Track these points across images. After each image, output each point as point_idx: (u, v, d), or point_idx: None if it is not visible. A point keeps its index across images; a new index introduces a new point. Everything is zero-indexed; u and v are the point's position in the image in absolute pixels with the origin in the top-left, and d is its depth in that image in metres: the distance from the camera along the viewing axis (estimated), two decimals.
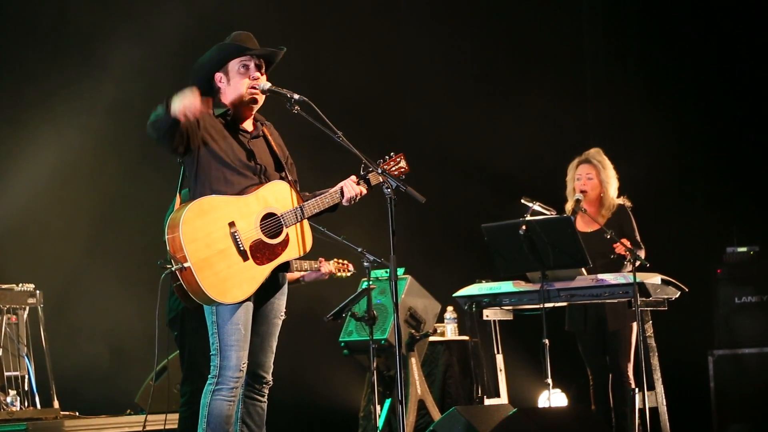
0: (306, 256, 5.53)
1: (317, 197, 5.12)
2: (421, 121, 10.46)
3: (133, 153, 9.09)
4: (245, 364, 4.96)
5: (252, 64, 5.08)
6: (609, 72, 10.33)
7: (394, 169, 5.27)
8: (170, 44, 8.99)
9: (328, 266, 7.11)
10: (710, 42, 9.80)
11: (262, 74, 5.11)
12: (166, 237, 4.84)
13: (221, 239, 4.88)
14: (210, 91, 5.10)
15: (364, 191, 5.19)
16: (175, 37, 8.94)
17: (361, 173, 5.20)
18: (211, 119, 5.02)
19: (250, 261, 4.93)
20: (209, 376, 4.95)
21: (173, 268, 4.79)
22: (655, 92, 9.95)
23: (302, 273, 7.05)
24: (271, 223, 5.01)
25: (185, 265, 4.78)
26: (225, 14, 9.35)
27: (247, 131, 5.11)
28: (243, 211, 4.95)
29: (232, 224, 4.91)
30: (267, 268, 4.98)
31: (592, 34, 10.44)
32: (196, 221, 4.84)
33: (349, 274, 7.16)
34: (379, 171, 5.01)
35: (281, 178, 5.11)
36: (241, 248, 4.91)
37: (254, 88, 5.07)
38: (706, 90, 9.77)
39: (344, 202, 5.15)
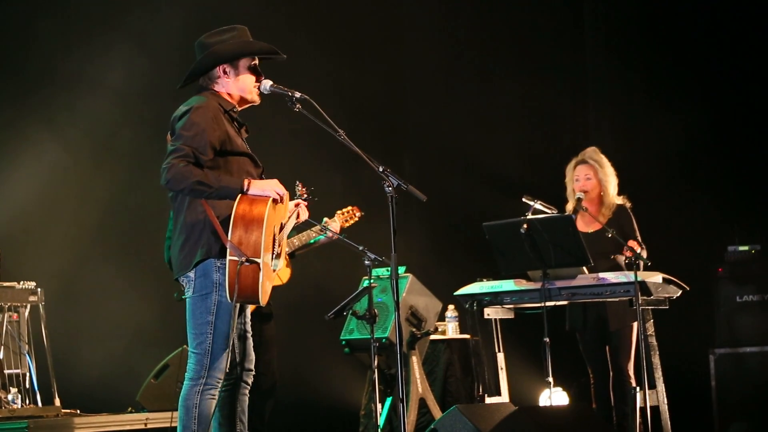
0: (300, 227, 5.69)
1: (290, 218, 5.26)
2: (422, 121, 10.46)
3: (135, 151, 9.10)
4: None
5: (257, 64, 5.11)
6: (610, 72, 10.32)
7: (348, 220, 5.72)
8: (170, 44, 8.99)
9: (335, 225, 6.94)
10: (712, 41, 9.79)
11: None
12: (233, 230, 4.75)
13: (270, 242, 4.90)
14: (198, 76, 5.11)
15: (308, 216, 5.42)
16: (175, 38, 8.94)
17: (304, 197, 5.69)
18: (225, 119, 4.99)
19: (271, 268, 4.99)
20: (191, 377, 4.91)
21: (242, 260, 4.72)
22: (657, 91, 9.95)
23: (312, 245, 6.93)
24: (282, 233, 5.11)
25: (255, 260, 4.74)
26: (226, 18, 9.32)
27: (240, 126, 5.14)
28: (278, 218, 5.01)
29: (274, 228, 4.96)
30: (275, 276, 5.10)
31: (593, 34, 10.43)
32: (269, 220, 4.83)
33: (357, 218, 7.03)
34: (380, 170, 5.03)
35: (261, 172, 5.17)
36: (275, 253, 4.97)
37: (257, 89, 5.10)
38: (708, 89, 9.76)
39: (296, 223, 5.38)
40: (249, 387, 5.17)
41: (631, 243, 6.97)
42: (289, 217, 5.23)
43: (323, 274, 9.05)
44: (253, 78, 5.10)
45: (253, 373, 5.18)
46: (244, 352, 5.13)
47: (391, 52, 10.49)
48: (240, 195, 4.81)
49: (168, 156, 4.80)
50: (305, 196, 5.64)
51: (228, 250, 4.75)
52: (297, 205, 5.34)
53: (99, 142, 9.31)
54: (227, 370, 5.01)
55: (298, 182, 5.68)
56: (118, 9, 9.36)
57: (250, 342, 5.18)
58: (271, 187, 4.86)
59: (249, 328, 5.19)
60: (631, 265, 6.86)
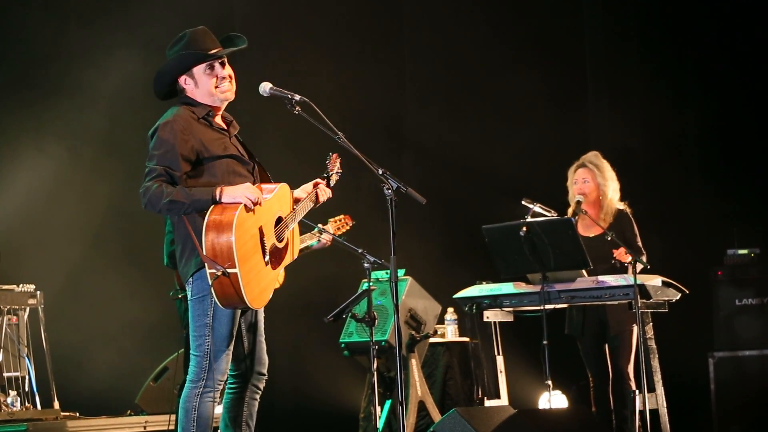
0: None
1: (301, 203, 5.20)
2: (422, 122, 10.45)
3: (133, 153, 9.08)
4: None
5: (216, 63, 5.08)
6: (609, 76, 10.31)
7: (336, 169, 5.44)
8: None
9: (328, 234, 6.89)
10: (712, 40, 9.78)
11: (226, 68, 5.11)
12: (206, 239, 4.76)
13: (255, 244, 4.89)
14: (173, 92, 5.13)
15: (330, 195, 5.34)
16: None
17: (324, 175, 5.39)
18: (199, 127, 5.00)
19: (269, 266, 4.95)
20: (191, 379, 4.91)
21: (218, 273, 4.71)
22: (657, 95, 9.94)
23: (304, 251, 6.86)
24: (281, 227, 5.05)
25: (231, 271, 4.73)
26: (226, 21, 9.33)
27: (225, 129, 5.13)
28: (267, 216, 4.98)
29: (260, 228, 4.92)
30: (277, 272, 5.03)
31: (593, 36, 10.42)
32: (243, 225, 4.81)
33: (349, 227, 7.00)
34: (379, 172, 5.02)
35: (262, 172, 5.14)
36: (266, 252, 4.93)
37: (222, 87, 5.06)
38: (708, 93, 9.76)
39: (316, 205, 5.31)
40: (260, 392, 5.15)
41: (618, 252, 6.99)
42: (298, 201, 5.17)
43: (322, 276, 9.04)
44: (212, 80, 5.05)
45: (265, 377, 5.16)
46: (254, 355, 5.11)
47: (391, 53, 10.49)
48: (213, 204, 4.81)
49: (144, 179, 4.88)
50: (333, 171, 5.42)
51: (206, 264, 4.76)
52: (315, 185, 5.31)
53: (99, 144, 9.30)
54: (238, 372, 5.05)
55: (331, 153, 5.50)
56: (118, 9, 9.36)
57: (263, 345, 5.15)
58: (242, 192, 4.85)
59: (261, 331, 5.15)
60: (626, 268, 6.87)
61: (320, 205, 5.34)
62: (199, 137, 4.96)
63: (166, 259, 6.32)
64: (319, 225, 6.71)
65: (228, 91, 5.09)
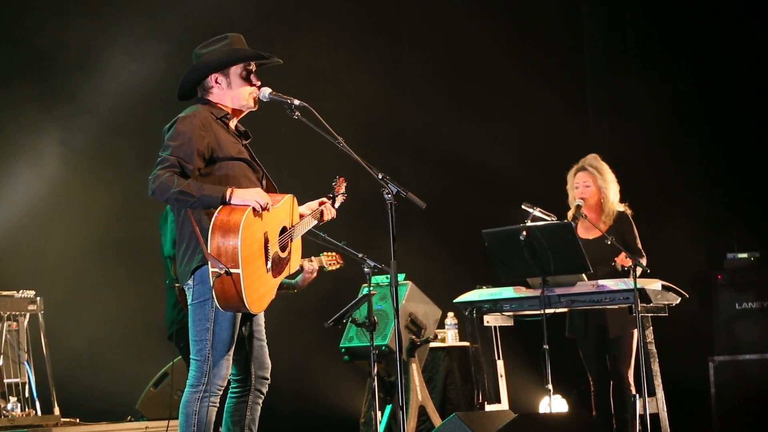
0: None
1: (305, 218, 5.22)
2: (421, 126, 10.46)
3: (132, 159, 9.09)
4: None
5: (253, 71, 5.10)
6: (609, 79, 10.33)
7: (342, 191, 5.46)
8: (174, 51, 9.00)
9: (313, 265, 6.85)
10: (714, 45, 9.79)
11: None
12: (211, 239, 4.77)
13: (259, 248, 4.90)
14: (193, 88, 5.12)
15: (334, 215, 5.35)
16: (177, 45, 8.95)
17: (330, 195, 5.40)
18: (216, 126, 5.01)
19: (270, 273, 4.96)
20: (192, 383, 4.93)
21: (221, 272, 4.73)
22: (656, 99, 9.95)
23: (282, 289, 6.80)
24: (285, 237, 5.06)
25: (234, 271, 4.74)
26: (223, 24, 9.33)
27: (239, 134, 5.13)
28: (272, 223, 4.99)
29: (265, 234, 4.93)
30: (278, 281, 5.03)
31: (593, 38, 10.43)
32: (249, 228, 4.82)
33: (339, 266, 7.01)
34: (379, 177, 5.03)
35: (269, 184, 5.15)
36: (268, 259, 4.94)
37: (253, 94, 5.10)
38: (707, 97, 9.76)
39: (319, 223, 5.32)
40: (263, 396, 5.16)
41: (619, 258, 7.00)
42: (302, 217, 5.20)
43: (322, 281, 9.04)
44: (246, 85, 5.09)
45: (268, 381, 5.17)
46: (256, 360, 5.12)
47: (391, 57, 10.49)
48: (221, 205, 4.82)
49: (155, 167, 4.86)
50: (339, 193, 5.45)
51: (209, 262, 4.77)
52: (321, 204, 5.32)
53: (100, 149, 9.30)
54: (241, 376, 5.07)
55: (338, 177, 5.53)
56: (122, 10, 9.35)
57: (265, 349, 5.17)
58: (252, 196, 4.87)
59: (262, 335, 5.17)
60: (628, 272, 6.87)
61: (323, 223, 5.35)
62: (215, 136, 4.97)
63: (170, 245, 6.26)
64: (312, 258, 6.67)
65: (255, 100, 5.12)
